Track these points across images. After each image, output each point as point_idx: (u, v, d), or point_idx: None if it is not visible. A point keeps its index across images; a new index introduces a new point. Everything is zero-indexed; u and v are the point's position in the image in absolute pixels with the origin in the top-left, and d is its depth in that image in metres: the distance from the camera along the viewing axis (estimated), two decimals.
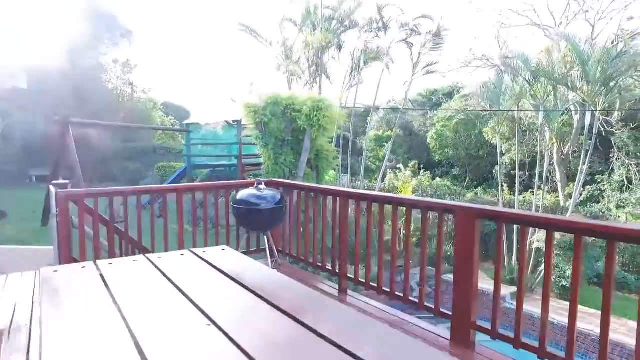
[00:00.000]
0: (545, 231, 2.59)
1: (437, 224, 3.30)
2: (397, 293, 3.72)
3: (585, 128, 11.81)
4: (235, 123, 12.80)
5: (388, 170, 20.79)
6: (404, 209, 3.77)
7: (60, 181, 5.47)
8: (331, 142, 10.13)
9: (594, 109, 10.65)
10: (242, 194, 4.69)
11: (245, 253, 5.34)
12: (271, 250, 5.12)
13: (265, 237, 4.80)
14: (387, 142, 24.63)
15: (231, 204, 4.72)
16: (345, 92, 12.95)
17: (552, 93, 11.51)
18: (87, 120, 13.49)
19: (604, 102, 10.95)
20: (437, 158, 22.05)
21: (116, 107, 22.90)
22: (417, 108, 24.26)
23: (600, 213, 12.90)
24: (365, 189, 16.50)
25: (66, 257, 4.15)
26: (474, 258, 3.04)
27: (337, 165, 13.09)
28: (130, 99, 24.55)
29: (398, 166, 19.03)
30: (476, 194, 15.69)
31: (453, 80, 22.32)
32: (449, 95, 23.58)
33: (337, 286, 4.26)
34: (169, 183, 13.63)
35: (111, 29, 22.63)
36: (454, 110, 19.82)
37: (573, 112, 14.76)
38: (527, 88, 11.40)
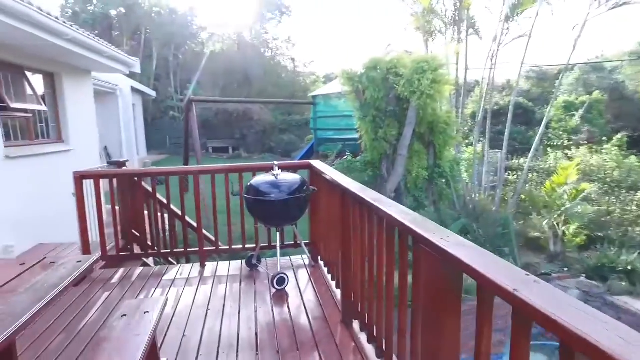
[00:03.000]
0: None
1: (399, 248, 1.99)
2: (382, 348, 2.47)
3: None
4: None
5: (573, 145, 16.50)
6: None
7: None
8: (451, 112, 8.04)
9: None
10: (255, 180, 3.89)
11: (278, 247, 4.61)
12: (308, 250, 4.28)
13: (278, 233, 3.92)
14: (577, 110, 19.64)
15: (243, 193, 4.00)
16: (495, 48, 10.25)
17: None
18: (208, 98, 14.51)
19: None
20: None
21: (279, 82, 24.41)
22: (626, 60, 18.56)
23: None
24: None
25: (85, 236, 4.19)
26: (447, 306, 1.64)
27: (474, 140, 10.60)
28: (292, 73, 25.83)
29: (559, 141, 14.64)
30: None
31: None
32: None
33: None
34: (299, 159, 13.62)
35: (272, 7, 23.89)
36: None
37: None
38: None
